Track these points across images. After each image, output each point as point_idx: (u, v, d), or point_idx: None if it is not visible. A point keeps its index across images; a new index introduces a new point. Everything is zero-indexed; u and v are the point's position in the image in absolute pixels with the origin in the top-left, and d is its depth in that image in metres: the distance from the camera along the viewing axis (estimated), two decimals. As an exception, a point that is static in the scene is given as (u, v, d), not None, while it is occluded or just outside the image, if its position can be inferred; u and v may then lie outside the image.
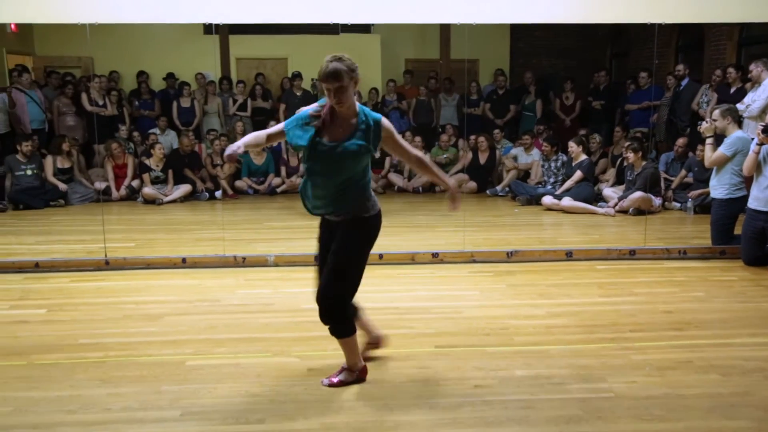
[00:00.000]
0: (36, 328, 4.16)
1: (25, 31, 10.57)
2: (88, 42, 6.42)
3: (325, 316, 3.23)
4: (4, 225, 7.35)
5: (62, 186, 8.47)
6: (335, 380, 3.34)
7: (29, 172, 8.30)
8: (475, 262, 5.63)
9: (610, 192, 7.88)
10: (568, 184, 7.95)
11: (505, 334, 4.01)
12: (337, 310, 3.22)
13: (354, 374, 3.36)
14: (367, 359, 3.53)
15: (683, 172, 7.98)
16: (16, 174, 8.26)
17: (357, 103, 3.08)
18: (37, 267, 5.45)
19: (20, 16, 6.36)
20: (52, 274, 5.37)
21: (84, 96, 9.33)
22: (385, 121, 3.09)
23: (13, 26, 9.97)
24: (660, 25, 5.94)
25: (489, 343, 3.87)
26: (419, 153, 3.33)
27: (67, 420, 3.02)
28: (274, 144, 3.55)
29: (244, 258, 5.58)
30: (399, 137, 3.17)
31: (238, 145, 3.12)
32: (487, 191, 9.05)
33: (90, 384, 3.37)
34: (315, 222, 7.43)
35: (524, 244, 6.02)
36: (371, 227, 3.21)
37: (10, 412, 3.08)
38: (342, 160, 3.01)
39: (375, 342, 3.64)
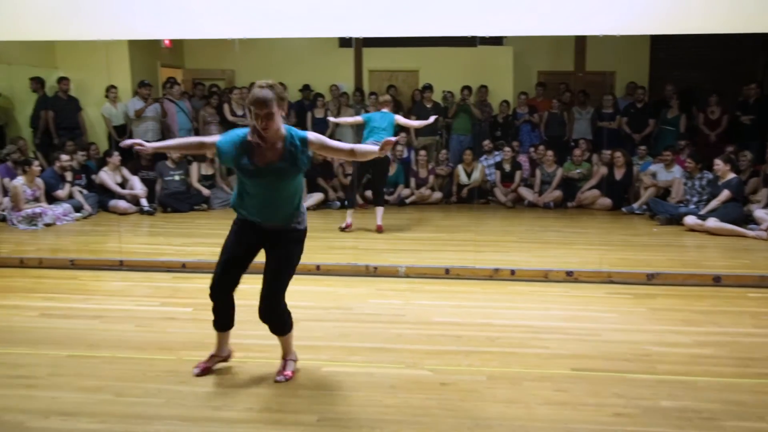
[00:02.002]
0: (183, 325, 4.41)
1: (177, 46, 11.32)
2: (236, 55, 6.80)
3: (268, 313, 3.45)
4: (155, 226, 7.89)
5: (205, 191, 8.97)
6: (290, 373, 3.55)
7: (177, 178, 8.85)
8: (612, 282, 5.40)
9: (762, 213, 7.31)
10: (713, 203, 7.47)
11: (648, 361, 3.81)
12: (278, 308, 3.46)
13: (295, 361, 3.63)
14: (207, 370, 3.61)
15: None
16: (165, 179, 8.84)
17: (283, 127, 3.21)
18: (183, 267, 5.80)
19: (177, 33, 6.84)
20: (197, 274, 5.67)
21: (226, 107, 9.84)
22: (310, 136, 3.26)
23: (167, 42, 10.71)
24: (828, 34, 5.47)
25: (630, 369, 3.69)
26: (350, 145, 3.42)
27: (213, 416, 3.16)
28: (204, 153, 3.84)
29: (375, 268, 5.66)
30: (329, 141, 3.35)
31: (146, 146, 3.37)
32: (623, 209, 8.68)
33: (232, 383, 3.53)
34: (444, 235, 7.43)
35: (665, 267, 5.70)
36: (302, 240, 3.44)
37: (163, 404, 3.28)
38: (273, 182, 3.22)
39: (225, 358, 3.73)
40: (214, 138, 3.38)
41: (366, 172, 7.76)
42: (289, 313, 3.54)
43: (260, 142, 3.19)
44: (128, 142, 3.43)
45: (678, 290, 5.21)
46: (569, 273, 5.50)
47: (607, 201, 8.80)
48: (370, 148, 3.47)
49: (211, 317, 3.63)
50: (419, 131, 10.16)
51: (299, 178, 3.34)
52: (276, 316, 3.48)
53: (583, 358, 3.86)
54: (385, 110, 7.22)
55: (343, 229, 7.27)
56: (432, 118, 7.46)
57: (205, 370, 3.61)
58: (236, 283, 3.52)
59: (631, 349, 3.97)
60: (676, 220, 7.69)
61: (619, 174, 8.97)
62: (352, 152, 3.37)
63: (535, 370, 3.68)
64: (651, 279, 5.38)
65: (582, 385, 3.47)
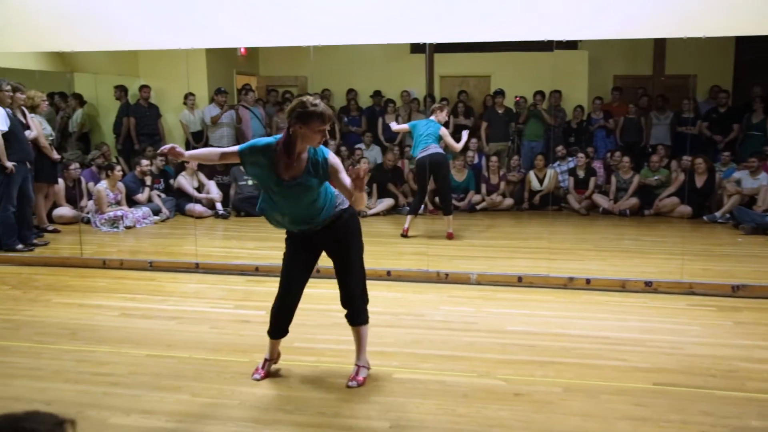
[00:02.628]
0: (257, 328, 4.45)
1: (252, 53, 11.57)
2: (311, 62, 6.88)
3: (356, 309, 3.52)
4: (229, 230, 8.07)
5: (278, 196, 9.10)
6: (361, 379, 3.55)
7: (250, 183, 9.01)
8: (694, 294, 5.18)
9: None
10: (804, 213, 7.09)
11: (735, 377, 3.62)
12: (364, 302, 3.56)
13: (368, 369, 3.64)
14: (267, 375, 3.66)
15: None
16: (239, 183, 9.03)
17: None
18: (257, 271, 5.89)
19: (252, 41, 6.98)
20: (270, 278, 5.73)
21: (299, 112, 9.96)
22: (330, 158, 3.27)
23: (242, 50, 10.96)
24: None
25: (716, 385, 3.52)
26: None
27: (285, 419, 3.19)
28: (224, 162, 3.86)
29: (447, 274, 5.60)
30: (341, 173, 3.27)
31: (183, 153, 3.47)
32: (704, 217, 8.33)
33: (305, 387, 3.55)
34: (516, 242, 7.31)
35: (752, 278, 5.42)
36: (353, 215, 3.45)
37: (237, 405, 3.32)
38: (299, 194, 3.25)
39: (276, 360, 3.77)
40: (235, 148, 3.41)
41: (428, 181, 7.67)
42: (367, 301, 3.58)
43: (287, 158, 3.21)
44: (165, 147, 3.50)
45: (766, 303, 4.95)
46: (648, 283, 5.31)
47: (687, 209, 8.45)
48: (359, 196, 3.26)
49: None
50: (490, 136, 10.05)
51: (323, 187, 3.32)
52: (350, 299, 3.51)
53: (665, 372, 3.70)
54: (432, 118, 7.17)
55: (403, 235, 7.24)
56: (465, 134, 7.32)
57: (266, 375, 3.65)
58: (298, 299, 3.58)
59: (717, 364, 3.79)
60: (762, 229, 7.33)
61: (700, 181, 8.62)
62: (350, 193, 3.25)
63: (614, 383, 3.55)
64: (736, 291, 5.13)
65: (664, 401, 3.33)
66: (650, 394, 3.42)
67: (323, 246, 3.49)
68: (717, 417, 3.14)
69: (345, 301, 3.54)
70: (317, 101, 3.16)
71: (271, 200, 3.34)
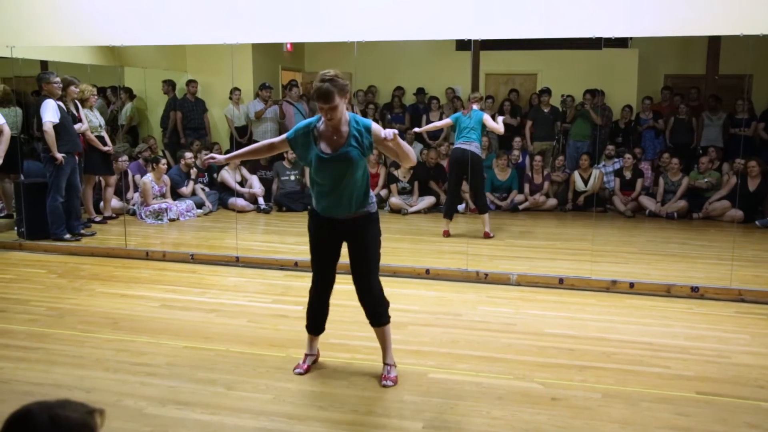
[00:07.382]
0: (293, 323, 4.47)
1: (298, 49, 11.63)
2: (355, 58, 6.88)
3: (375, 306, 3.51)
4: (270, 225, 8.13)
5: (319, 192, 9.13)
6: (395, 377, 3.53)
7: (292, 178, 9.08)
8: (743, 301, 5.00)
9: None
10: None
11: (785, 389, 3.48)
12: (383, 297, 3.53)
13: (395, 367, 3.59)
14: (308, 369, 3.68)
15: None
16: (281, 179, 9.09)
17: (347, 113, 3.31)
18: (296, 266, 5.91)
19: (297, 36, 7.01)
20: (309, 273, 5.73)
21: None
22: (373, 125, 3.33)
23: (289, 46, 11.03)
24: None
25: (763, 397, 3.39)
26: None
27: (318, 416, 3.18)
28: (274, 153, 3.91)
29: (486, 274, 5.53)
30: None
31: (219, 158, 3.66)
32: (757, 222, 8.05)
33: (338, 384, 3.53)
34: (559, 243, 7.19)
35: (806, 286, 5.23)
36: (376, 221, 3.50)
37: (271, 400, 3.33)
38: (342, 167, 3.28)
39: (316, 357, 3.79)
40: (283, 136, 3.51)
41: (461, 179, 7.50)
42: (386, 302, 3.55)
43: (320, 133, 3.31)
44: (205, 158, 3.72)
45: (820, 313, 4.76)
46: (694, 289, 5.15)
47: (738, 213, 8.17)
48: (409, 148, 3.45)
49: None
50: (535, 135, 9.91)
51: (364, 163, 3.37)
52: (371, 297, 3.50)
53: (710, 381, 3.58)
54: (474, 107, 7.07)
55: (445, 235, 7.17)
56: (500, 119, 7.25)
57: (307, 370, 3.66)
58: (331, 283, 3.64)
59: (765, 375, 3.65)
60: (818, 236, 7.05)
61: (753, 184, 8.33)
62: (396, 153, 3.36)
63: (655, 390, 3.45)
64: (789, 299, 4.95)
65: (708, 411, 3.22)
66: (693, 403, 3.31)
67: (346, 237, 3.49)
68: (763, 430, 3.02)
69: (368, 302, 3.52)
70: (326, 77, 3.16)
71: (317, 183, 3.39)
